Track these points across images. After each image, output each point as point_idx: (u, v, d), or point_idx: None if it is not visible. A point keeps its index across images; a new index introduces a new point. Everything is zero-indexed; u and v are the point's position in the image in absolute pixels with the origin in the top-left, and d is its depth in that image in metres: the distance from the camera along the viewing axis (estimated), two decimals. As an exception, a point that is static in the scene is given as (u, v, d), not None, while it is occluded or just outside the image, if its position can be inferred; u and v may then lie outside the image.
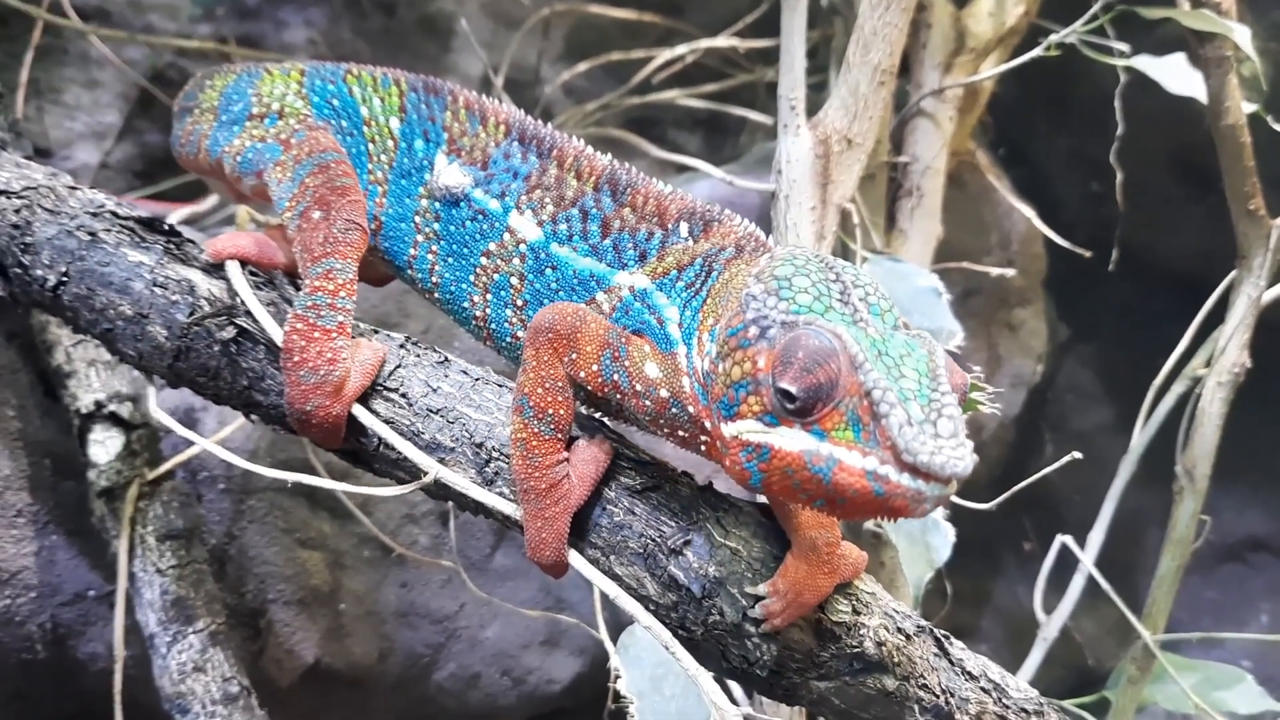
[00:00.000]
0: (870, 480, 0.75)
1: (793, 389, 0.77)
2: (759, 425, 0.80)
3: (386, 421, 1.04)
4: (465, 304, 1.08)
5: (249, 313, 1.07)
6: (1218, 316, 1.75)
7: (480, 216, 1.05)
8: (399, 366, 1.06)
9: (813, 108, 1.52)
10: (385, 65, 2.10)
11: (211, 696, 1.36)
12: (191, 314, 1.07)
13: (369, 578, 1.70)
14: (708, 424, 0.88)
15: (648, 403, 0.93)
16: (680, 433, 0.94)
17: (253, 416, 1.13)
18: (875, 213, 1.79)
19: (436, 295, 1.11)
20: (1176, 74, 1.78)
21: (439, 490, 1.03)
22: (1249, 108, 1.71)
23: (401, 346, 1.08)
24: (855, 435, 0.76)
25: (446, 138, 1.09)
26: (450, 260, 1.08)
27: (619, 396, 0.95)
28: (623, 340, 0.94)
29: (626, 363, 0.93)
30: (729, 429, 0.82)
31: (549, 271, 1.02)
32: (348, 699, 1.72)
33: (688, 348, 0.92)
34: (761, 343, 0.80)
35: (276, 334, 1.05)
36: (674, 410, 0.92)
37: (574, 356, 0.93)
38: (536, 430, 0.93)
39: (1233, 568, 2.89)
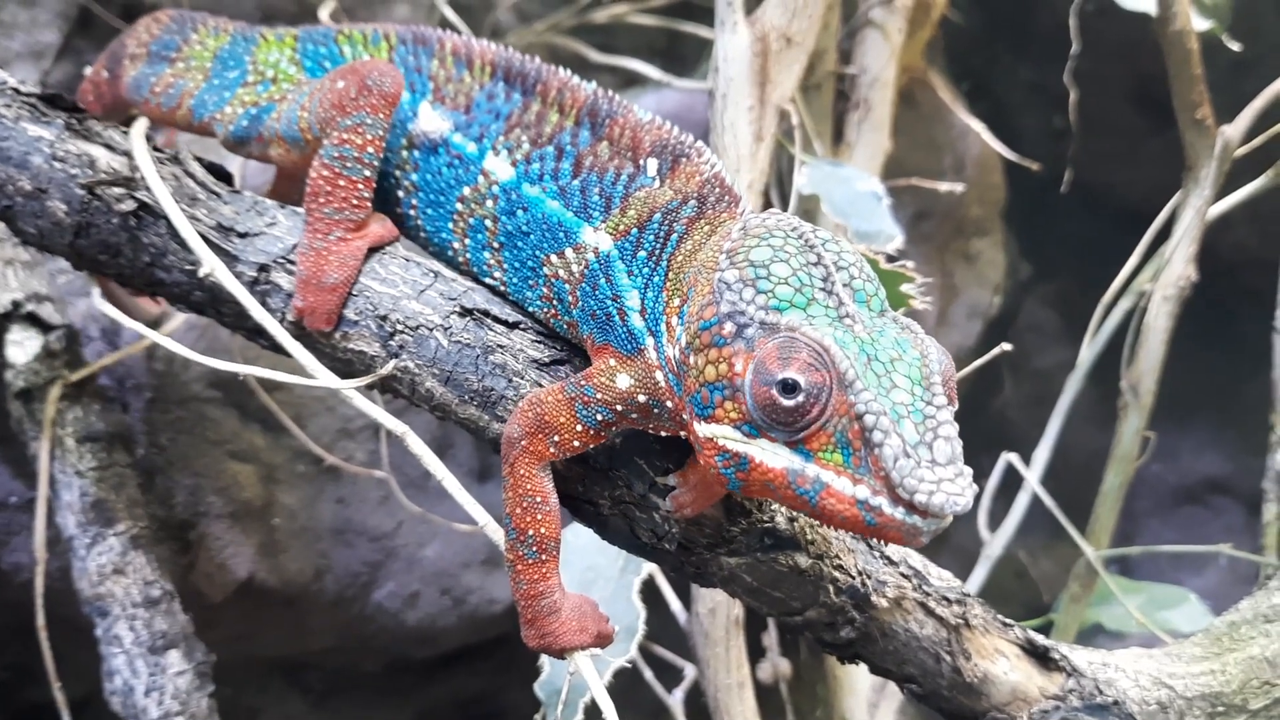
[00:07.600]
0: (861, 510, 0.71)
1: (773, 408, 0.73)
2: (737, 434, 0.75)
3: (289, 295, 1.02)
4: (449, 252, 1.06)
5: (150, 187, 1.04)
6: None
7: (457, 161, 1.02)
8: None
9: (754, 8, 1.49)
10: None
11: (132, 599, 1.34)
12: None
13: (303, 493, 1.67)
14: (684, 417, 0.83)
15: (635, 415, 0.88)
16: (664, 432, 0.91)
17: (158, 298, 1.11)
18: (821, 124, 1.75)
19: (426, 247, 1.09)
20: (1130, -12, 1.75)
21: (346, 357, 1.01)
22: (1202, 23, 1.69)
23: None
24: (845, 459, 0.72)
25: (432, 87, 1.07)
26: (429, 211, 1.05)
27: (613, 430, 0.90)
28: (582, 382, 0.89)
29: (598, 395, 0.87)
30: (703, 429, 0.77)
31: (520, 213, 0.98)
32: (283, 616, 1.70)
33: (656, 337, 0.87)
34: (739, 343, 0.75)
35: (173, 207, 1.02)
36: (656, 411, 0.88)
37: (557, 438, 0.88)
38: (521, 554, 0.90)
39: (1191, 510, 2.89)
